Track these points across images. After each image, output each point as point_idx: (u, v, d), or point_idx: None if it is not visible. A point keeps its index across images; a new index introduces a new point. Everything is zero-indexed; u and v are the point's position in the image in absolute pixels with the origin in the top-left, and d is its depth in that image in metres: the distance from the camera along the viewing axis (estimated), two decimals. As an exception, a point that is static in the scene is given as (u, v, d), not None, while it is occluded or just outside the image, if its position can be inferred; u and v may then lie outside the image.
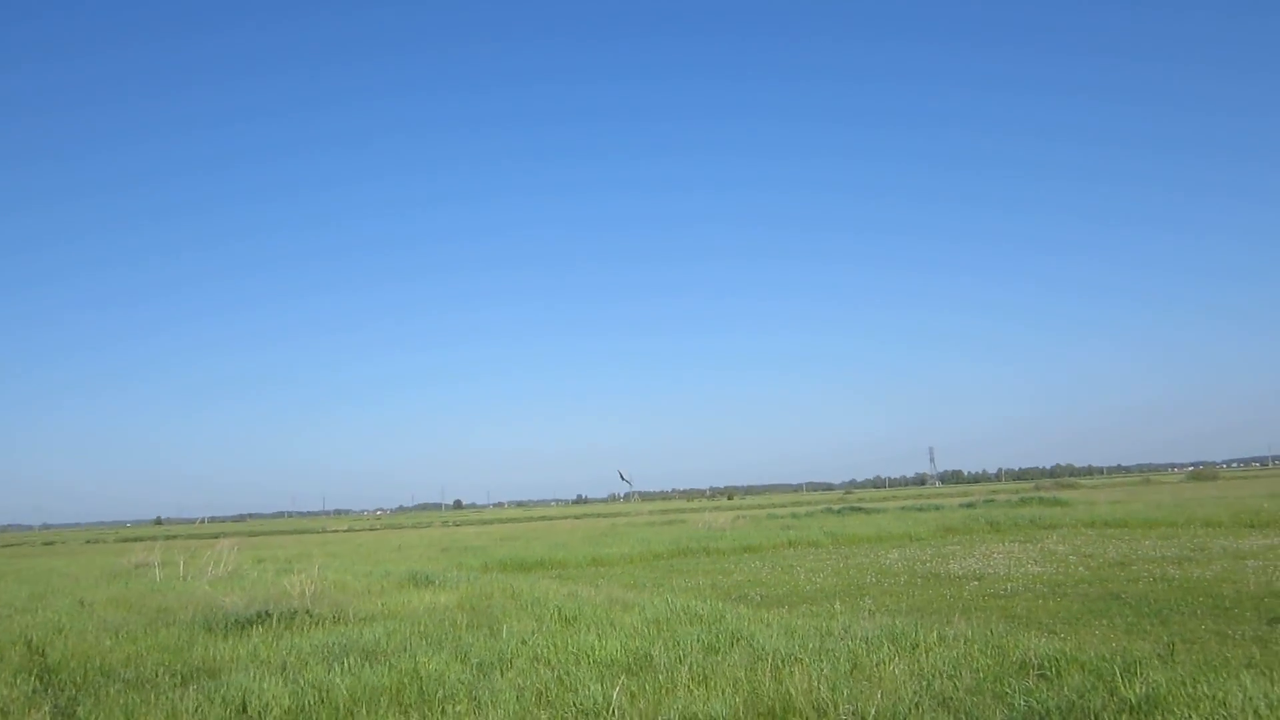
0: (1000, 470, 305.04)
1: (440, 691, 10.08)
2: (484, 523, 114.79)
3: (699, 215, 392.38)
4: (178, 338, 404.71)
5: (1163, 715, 7.53)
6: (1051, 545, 29.46)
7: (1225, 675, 8.72)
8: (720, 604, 16.45)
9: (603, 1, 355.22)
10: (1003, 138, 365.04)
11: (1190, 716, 7.34)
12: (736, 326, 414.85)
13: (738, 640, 12.41)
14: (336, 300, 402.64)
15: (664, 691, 9.79)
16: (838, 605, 17.93)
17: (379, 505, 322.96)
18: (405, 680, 10.58)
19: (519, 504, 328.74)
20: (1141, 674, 9.01)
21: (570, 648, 12.32)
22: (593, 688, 9.77)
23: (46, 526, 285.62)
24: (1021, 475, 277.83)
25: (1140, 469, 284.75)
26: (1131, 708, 7.75)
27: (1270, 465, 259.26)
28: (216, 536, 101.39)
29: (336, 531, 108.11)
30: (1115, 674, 8.90)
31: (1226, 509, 38.85)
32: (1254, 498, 48.90)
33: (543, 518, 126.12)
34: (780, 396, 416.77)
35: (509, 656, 12.00)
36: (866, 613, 16.66)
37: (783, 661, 10.69)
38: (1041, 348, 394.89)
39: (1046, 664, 9.81)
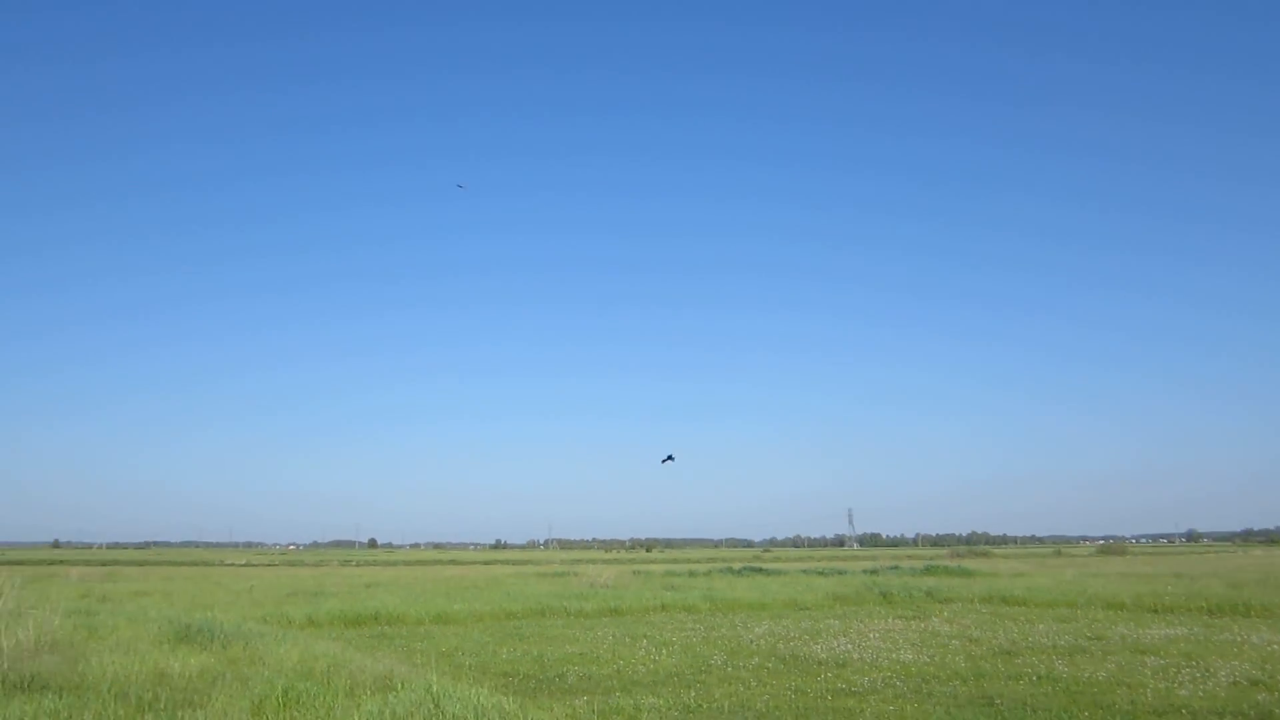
0: (919, 535, 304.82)
1: None
2: (384, 564, 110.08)
3: (622, 264, 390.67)
4: (66, 345, 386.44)
5: None
6: (938, 625, 26.49)
7: None
8: (488, 695, 12.99)
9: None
10: (931, 186, 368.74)
11: None
12: (664, 376, 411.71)
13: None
14: (264, 319, 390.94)
15: None
16: (651, 698, 14.63)
17: (292, 540, 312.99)
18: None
19: (436, 545, 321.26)
20: None
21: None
22: None
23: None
24: (939, 541, 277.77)
25: (1054, 540, 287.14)
26: None
27: (1177, 543, 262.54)
28: (105, 564, 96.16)
29: (232, 565, 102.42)
30: None
31: (1130, 589, 36.38)
32: (1159, 577, 46.73)
33: (452, 561, 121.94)
34: (710, 449, 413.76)
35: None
36: (679, 712, 13.41)
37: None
38: (966, 415, 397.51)
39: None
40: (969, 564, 72.41)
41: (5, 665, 15.37)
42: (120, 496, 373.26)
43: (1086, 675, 16.71)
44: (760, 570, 64.67)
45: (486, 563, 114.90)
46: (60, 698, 12.92)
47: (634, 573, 59.73)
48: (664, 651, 20.98)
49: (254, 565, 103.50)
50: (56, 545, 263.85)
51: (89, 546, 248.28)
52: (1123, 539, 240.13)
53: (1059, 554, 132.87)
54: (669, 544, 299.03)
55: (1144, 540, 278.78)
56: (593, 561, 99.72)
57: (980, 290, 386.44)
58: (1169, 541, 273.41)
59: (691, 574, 59.29)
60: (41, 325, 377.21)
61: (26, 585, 42.02)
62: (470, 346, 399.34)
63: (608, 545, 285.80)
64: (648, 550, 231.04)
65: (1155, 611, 30.65)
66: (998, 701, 14.23)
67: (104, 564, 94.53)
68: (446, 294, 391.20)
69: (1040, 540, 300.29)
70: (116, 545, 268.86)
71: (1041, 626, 25.70)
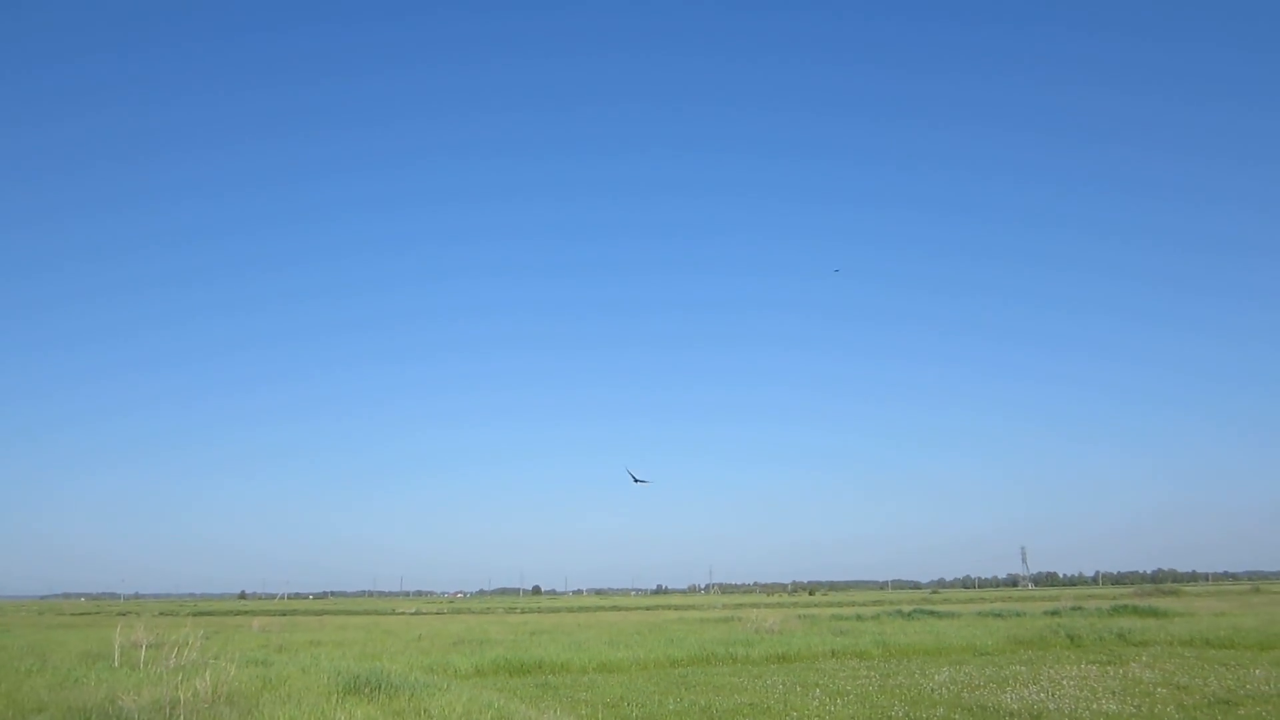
0: (1098, 574, 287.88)
1: None
2: (547, 610, 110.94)
3: (784, 305, 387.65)
4: (247, 405, 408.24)
5: None
6: (1138, 671, 24.34)
7: None
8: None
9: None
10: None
11: None
12: (824, 421, 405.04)
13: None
14: (425, 373, 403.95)
15: None
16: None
17: (460, 588, 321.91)
18: None
19: (598, 591, 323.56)
20: None
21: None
22: None
23: (137, 596, 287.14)
24: (1120, 580, 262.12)
25: (1250, 576, 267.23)
26: None
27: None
28: (285, 614, 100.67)
29: (401, 614, 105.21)
30: None
31: (1355, 630, 32.93)
32: (1386, 617, 42.36)
33: (614, 607, 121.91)
34: (874, 492, 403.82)
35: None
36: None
37: None
38: (1144, 447, 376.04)
39: None
40: (1159, 603, 67.54)
41: (183, 717, 15.60)
42: (301, 549, 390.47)
43: (1326, 729, 14.83)
44: (932, 613, 62.00)
45: (649, 608, 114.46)
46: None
47: (799, 617, 58.10)
48: (839, 701, 19.86)
49: (423, 613, 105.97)
50: (243, 596, 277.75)
51: (272, 597, 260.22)
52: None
53: (1258, 591, 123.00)
54: (832, 587, 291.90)
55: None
56: (756, 605, 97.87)
57: (1155, 311, 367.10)
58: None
59: (859, 617, 57.24)
60: (233, 385, 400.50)
61: (212, 635, 43.84)
62: (621, 389, 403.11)
63: (769, 589, 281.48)
64: (810, 594, 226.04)
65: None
66: (1225, 759, 12.67)
67: (284, 614, 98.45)
68: (592, 338, 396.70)
69: (1234, 577, 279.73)
70: (296, 595, 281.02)
71: (1258, 672, 23.28)
